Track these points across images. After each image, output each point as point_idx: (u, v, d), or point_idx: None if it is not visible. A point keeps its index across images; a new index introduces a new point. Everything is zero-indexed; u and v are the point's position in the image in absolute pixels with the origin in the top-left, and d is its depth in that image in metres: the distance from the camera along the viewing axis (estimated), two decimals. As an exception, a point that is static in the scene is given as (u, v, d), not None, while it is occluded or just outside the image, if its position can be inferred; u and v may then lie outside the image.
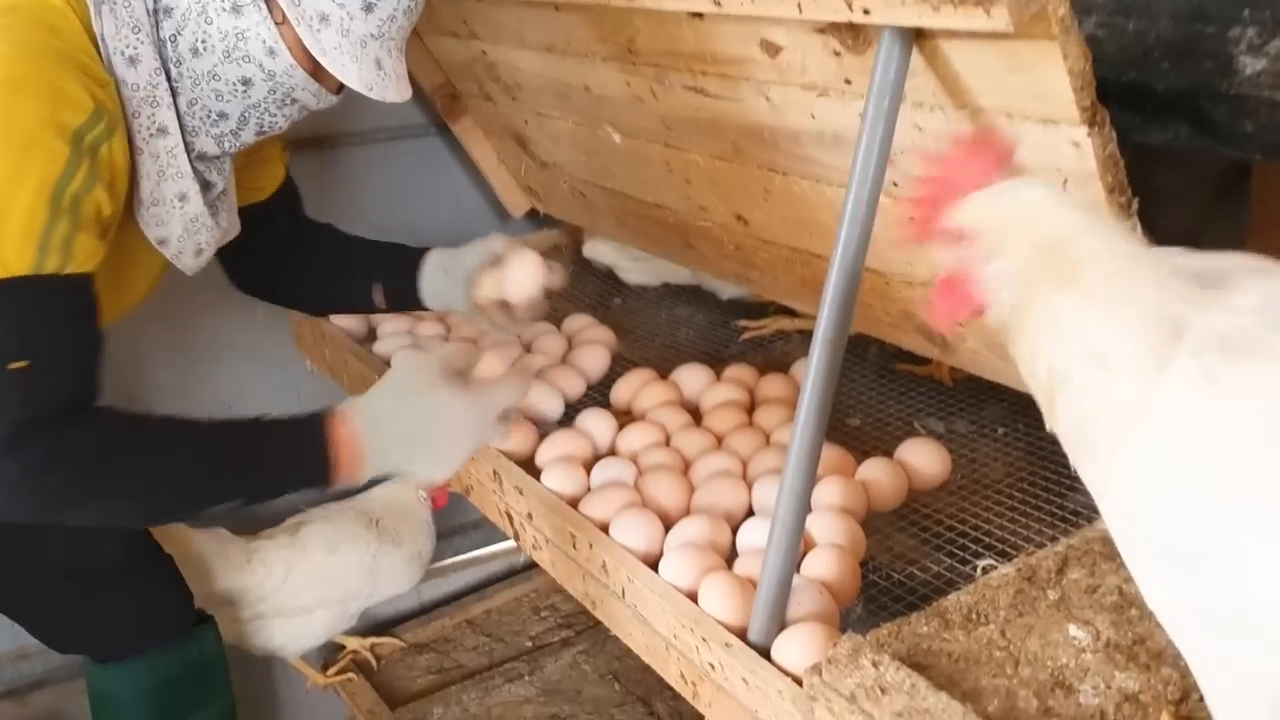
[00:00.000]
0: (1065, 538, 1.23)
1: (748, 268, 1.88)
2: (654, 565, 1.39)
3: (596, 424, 1.73)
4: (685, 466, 1.60)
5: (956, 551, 1.39)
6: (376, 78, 1.33)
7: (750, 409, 1.75)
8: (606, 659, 2.49)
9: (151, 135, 1.31)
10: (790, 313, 2.08)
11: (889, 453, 1.58)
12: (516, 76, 2.03)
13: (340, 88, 1.37)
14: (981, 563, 1.29)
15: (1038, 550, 1.21)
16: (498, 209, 2.54)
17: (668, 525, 1.46)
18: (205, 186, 1.40)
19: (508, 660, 2.50)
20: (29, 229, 1.14)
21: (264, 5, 1.27)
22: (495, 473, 1.66)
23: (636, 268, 2.34)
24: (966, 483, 1.55)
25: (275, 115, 1.37)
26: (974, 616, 1.12)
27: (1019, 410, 1.69)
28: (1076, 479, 1.29)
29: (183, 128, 1.34)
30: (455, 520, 2.67)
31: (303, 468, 1.27)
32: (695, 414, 1.76)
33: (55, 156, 1.16)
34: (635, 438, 1.68)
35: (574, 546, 1.50)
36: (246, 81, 1.32)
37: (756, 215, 1.72)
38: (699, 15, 1.40)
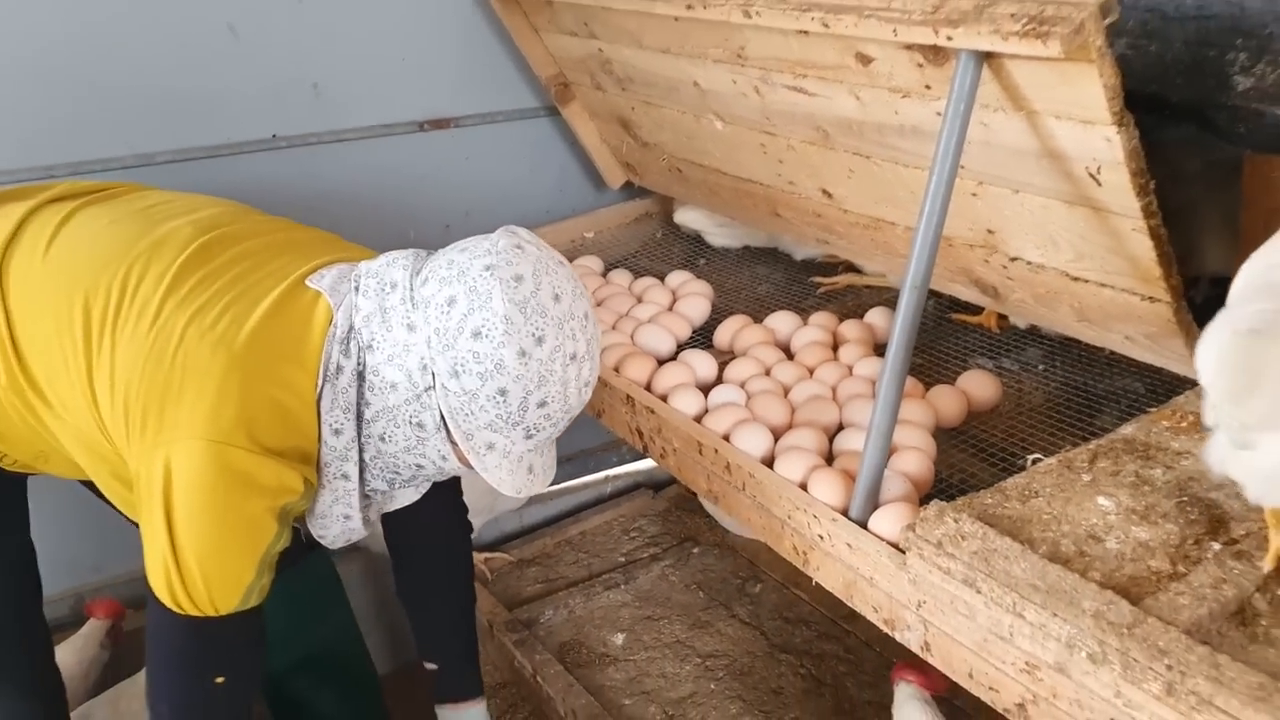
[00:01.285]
0: (1095, 439, 1.61)
1: (828, 233, 2.25)
2: (769, 465, 1.78)
3: (704, 360, 2.12)
4: (784, 392, 1.99)
5: (1009, 456, 1.76)
6: (526, 482, 1.61)
7: (834, 347, 2.13)
8: (690, 571, 2.88)
9: (336, 478, 1.60)
10: (858, 271, 2.45)
11: (951, 382, 1.96)
12: (629, 71, 2.39)
13: None
14: (1031, 457, 1.67)
15: (1073, 448, 1.59)
16: (596, 181, 2.91)
17: (775, 436, 1.84)
18: (365, 520, 1.71)
19: (604, 572, 2.89)
20: (240, 583, 1.50)
21: (444, 430, 1.56)
22: (628, 397, 2.04)
23: (720, 232, 2.71)
24: (1013, 407, 1.92)
25: (438, 478, 1.72)
26: (1027, 493, 1.50)
27: (1055, 351, 2.06)
28: (1102, 403, 1.68)
29: (362, 474, 1.63)
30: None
31: None
32: (787, 351, 2.15)
33: (268, 534, 1.50)
34: (740, 369, 2.06)
35: (700, 453, 1.88)
36: (420, 466, 1.63)
37: (840, 190, 2.09)
38: (805, 32, 1.76)
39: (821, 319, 2.22)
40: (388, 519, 1.91)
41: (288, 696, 2.27)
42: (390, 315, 1.53)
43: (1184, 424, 1.61)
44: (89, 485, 1.82)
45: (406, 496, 1.79)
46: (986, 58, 1.50)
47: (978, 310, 2.20)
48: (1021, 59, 1.46)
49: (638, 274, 2.57)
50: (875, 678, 2.45)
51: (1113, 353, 1.90)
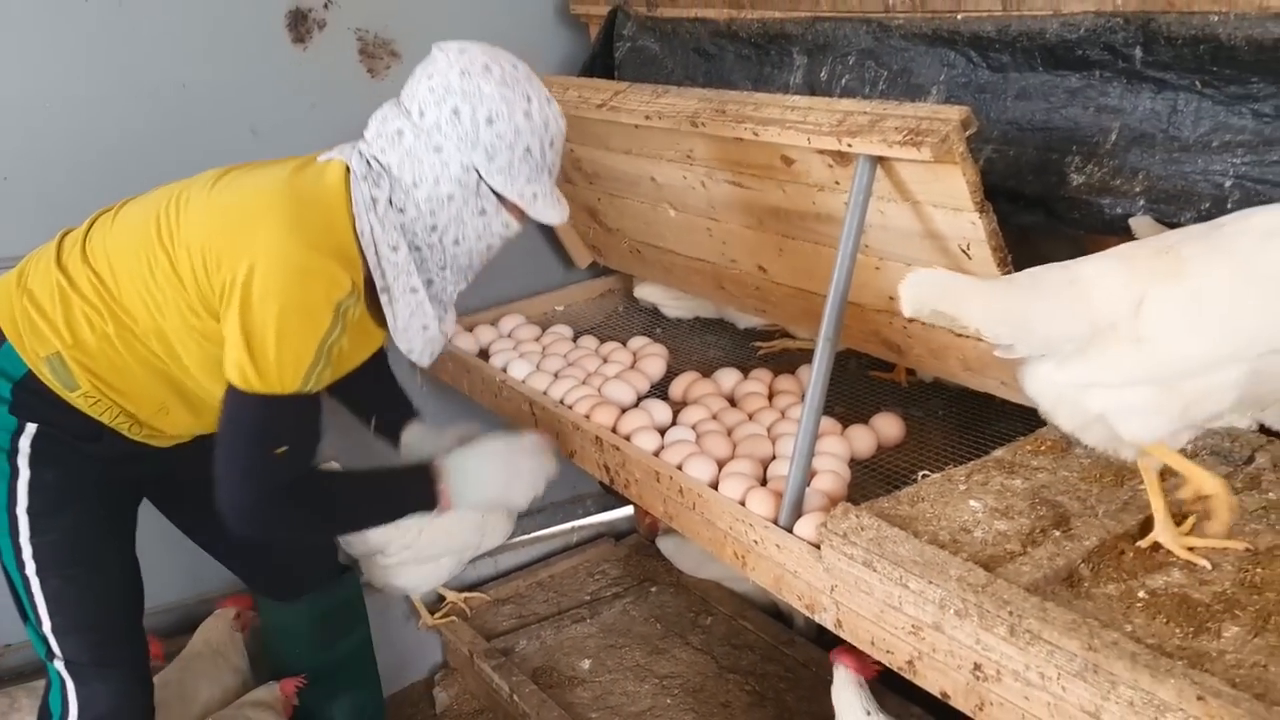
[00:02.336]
0: (972, 462, 2.01)
1: (763, 302, 2.67)
2: (714, 488, 2.16)
3: (660, 407, 2.51)
4: (728, 431, 2.37)
5: (908, 478, 2.15)
6: (562, 211, 2.08)
7: (769, 397, 2.53)
8: (649, 607, 3.25)
9: (406, 292, 2.01)
10: (792, 336, 2.86)
11: (865, 422, 2.36)
12: (596, 168, 2.82)
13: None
14: (921, 473, 2.06)
15: (955, 467, 2.00)
16: (566, 261, 3.32)
17: (719, 465, 2.22)
18: (438, 319, 2.11)
19: (572, 608, 3.25)
20: (302, 364, 1.88)
21: (500, 206, 2.01)
22: (597, 438, 2.43)
23: (675, 305, 3.12)
24: (915, 443, 2.33)
25: (495, 254, 2.13)
26: (915, 499, 1.89)
27: (952, 401, 2.47)
28: (988, 439, 2.07)
29: (431, 282, 2.06)
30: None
31: (422, 506, 2.16)
32: (731, 400, 2.54)
33: (324, 321, 1.88)
34: (691, 414, 2.45)
35: (657, 480, 2.26)
36: (490, 248, 2.08)
37: (773, 266, 2.51)
38: (741, 140, 2.19)
39: (760, 374, 2.63)
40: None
41: (302, 703, 2.60)
42: (415, 153, 1.96)
43: (1043, 448, 2.01)
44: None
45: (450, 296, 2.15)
46: (879, 160, 1.93)
47: (890, 367, 2.61)
48: (905, 161, 1.89)
49: (603, 339, 2.96)
50: (812, 692, 2.80)
51: (1003, 401, 2.30)
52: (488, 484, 2.21)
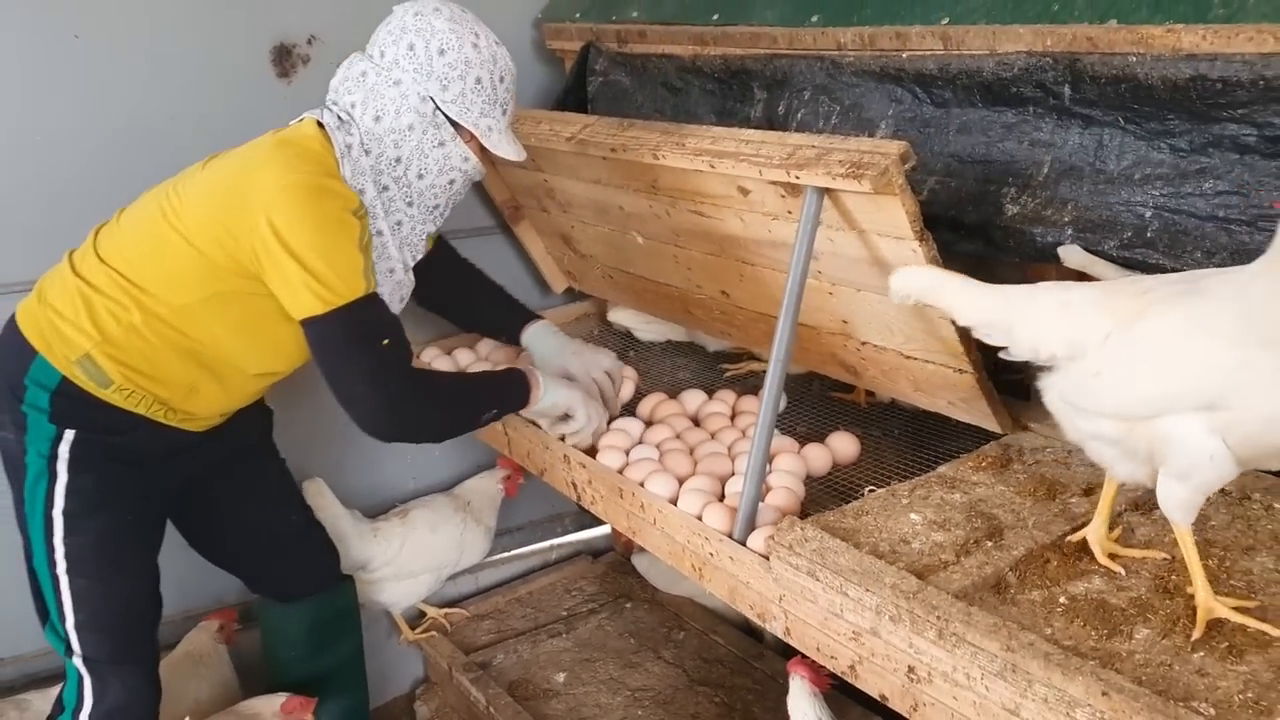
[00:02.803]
0: (916, 478, 2.11)
1: (728, 326, 2.77)
2: (674, 503, 2.26)
3: (629, 425, 2.61)
4: (690, 450, 2.47)
5: (858, 492, 2.25)
6: (517, 149, 2.32)
7: (732, 417, 2.64)
8: (624, 622, 3.34)
9: (373, 235, 2.20)
10: (758, 359, 2.97)
11: (821, 441, 2.46)
12: (569, 198, 2.93)
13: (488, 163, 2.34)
14: (868, 488, 2.16)
15: (900, 483, 2.10)
16: (543, 286, 3.43)
17: (680, 482, 2.32)
18: (405, 265, 2.30)
19: (549, 623, 3.34)
20: (356, 268, 2.08)
21: (456, 136, 2.23)
22: (565, 456, 2.53)
23: (647, 329, 3.22)
24: (870, 461, 2.43)
25: (459, 194, 2.33)
26: (860, 512, 2.00)
27: (907, 421, 2.57)
28: (940, 457, 2.16)
29: (400, 224, 2.25)
30: (503, 524, 3.49)
31: (519, 401, 2.39)
32: (695, 420, 2.65)
33: (353, 226, 2.10)
34: (655, 433, 2.55)
35: (621, 496, 2.36)
36: (451, 182, 2.27)
37: (735, 291, 2.61)
38: (700, 171, 2.30)
39: (724, 395, 2.73)
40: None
41: (290, 709, 2.69)
42: (374, 85, 2.19)
43: (984, 464, 2.11)
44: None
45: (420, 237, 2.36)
46: (826, 191, 2.04)
47: (850, 389, 2.72)
48: (849, 192, 2.00)
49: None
50: (778, 703, 2.87)
51: (955, 422, 2.39)
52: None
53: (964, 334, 2.08)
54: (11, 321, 2.25)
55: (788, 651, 3.10)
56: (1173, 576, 1.71)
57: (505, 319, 2.81)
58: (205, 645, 2.77)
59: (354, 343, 2.13)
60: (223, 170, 2.19)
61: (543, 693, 3.03)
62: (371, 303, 2.13)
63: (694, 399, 2.73)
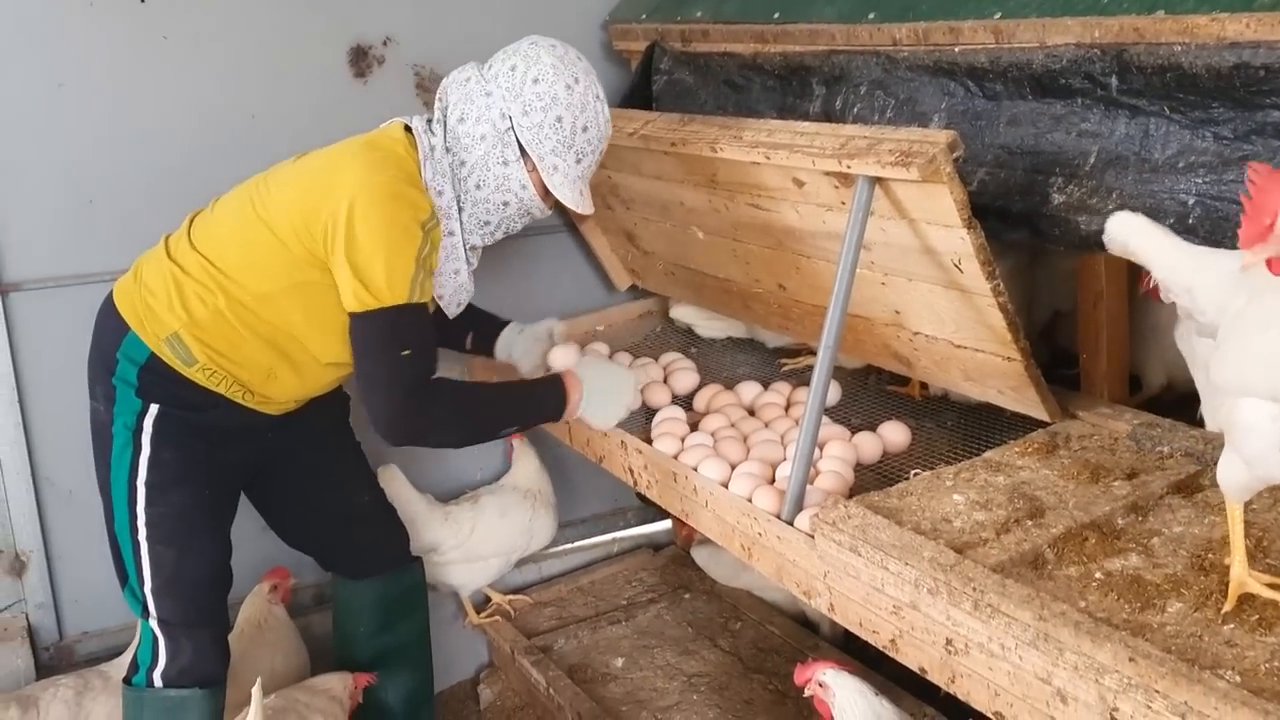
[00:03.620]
0: (962, 462, 2.15)
1: (785, 319, 2.83)
2: (725, 486, 2.32)
3: (682, 414, 2.68)
4: (744, 438, 2.53)
5: (907, 479, 2.29)
6: (580, 199, 2.33)
7: (787, 408, 2.69)
8: (682, 612, 3.40)
9: (446, 235, 2.30)
10: (814, 354, 3.01)
11: (873, 430, 2.50)
12: (632, 194, 3.01)
13: (554, 205, 2.36)
14: (913, 471, 2.20)
15: (945, 466, 2.14)
16: (607, 284, 3.51)
17: (733, 467, 2.38)
18: (470, 266, 2.39)
19: (609, 611, 3.41)
20: (405, 277, 2.16)
21: (522, 162, 2.27)
22: (622, 443, 2.60)
23: (708, 325, 3.29)
24: (920, 449, 2.47)
25: (515, 222, 2.38)
26: (904, 493, 2.04)
27: (960, 414, 2.60)
28: (981, 446, 2.20)
29: (462, 228, 2.33)
30: (567, 517, 3.57)
31: (551, 411, 2.46)
32: (750, 410, 2.71)
33: (416, 237, 2.18)
34: (711, 422, 2.62)
35: (674, 480, 2.43)
36: (505, 204, 2.32)
37: (791, 284, 2.67)
38: (757, 163, 2.36)
39: (779, 387, 2.79)
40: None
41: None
42: (471, 91, 2.29)
43: (1030, 450, 2.15)
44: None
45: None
46: (878, 181, 2.09)
47: (905, 382, 2.76)
48: (899, 181, 2.05)
49: (637, 357, 3.14)
50: (831, 693, 2.93)
51: (1007, 415, 2.42)
52: (607, 411, 2.55)
53: (1012, 323, 2.12)
54: (109, 298, 2.39)
55: (846, 644, 3.16)
56: (1209, 555, 1.73)
57: (481, 328, 2.88)
58: (261, 609, 2.88)
59: (376, 345, 2.23)
60: (310, 164, 2.31)
61: (601, 676, 3.10)
62: (407, 312, 2.19)
63: (750, 390, 2.79)
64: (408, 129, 2.33)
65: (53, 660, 2.95)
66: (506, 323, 2.87)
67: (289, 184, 2.29)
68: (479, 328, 2.85)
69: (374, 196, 2.16)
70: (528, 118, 2.24)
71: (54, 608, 2.98)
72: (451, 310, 2.45)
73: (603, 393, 2.53)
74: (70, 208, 2.85)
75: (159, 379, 2.30)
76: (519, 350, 2.83)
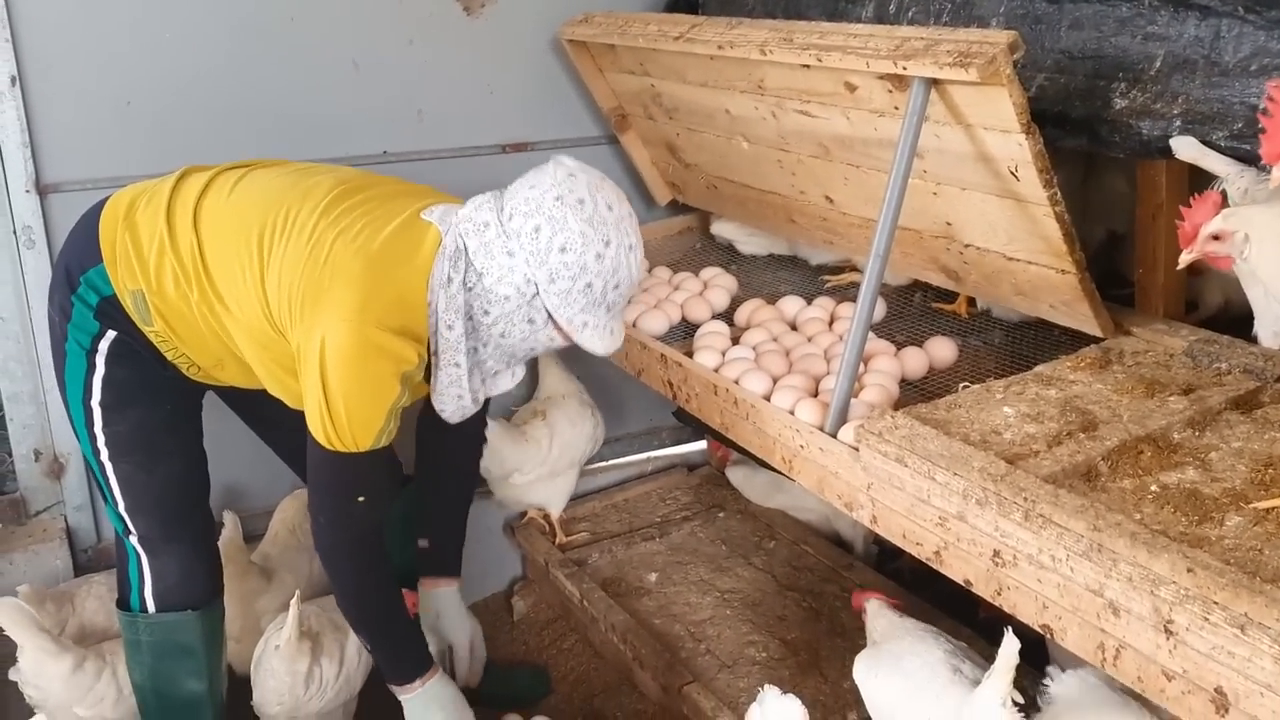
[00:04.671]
0: (1012, 376, 2.10)
1: (831, 234, 2.77)
2: (767, 399, 2.28)
3: (723, 329, 2.64)
4: (786, 352, 2.49)
5: (952, 391, 2.25)
6: (611, 342, 2.21)
7: (830, 323, 2.64)
8: (716, 530, 3.39)
9: (449, 365, 2.19)
10: (859, 271, 2.96)
11: (919, 345, 2.45)
12: (675, 103, 2.94)
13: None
14: (961, 384, 2.16)
15: (995, 380, 2.09)
16: (647, 198, 3.46)
17: (775, 381, 2.35)
18: (474, 397, 2.29)
19: (643, 528, 3.41)
20: (373, 426, 2.10)
21: (550, 323, 2.16)
22: (662, 356, 2.57)
23: (750, 241, 3.23)
24: (966, 365, 2.42)
25: (539, 355, 2.35)
26: (953, 406, 2.00)
27: (1007, 331, 2.54)
28: (1030, 363, 2.15)
29: (477, 350, 2.22)
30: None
31: (398, 675, 2.39)
32: (793, 325, 2.66)
33: (391, 393, 2.10)
34: (752, 336, 2.58)
35: (715, 394, 2.40)
36: (532, 349, 2.24)
37: (839, 195, 2.61)
38: (806, 66, 2.29)
39: (823, 302, 2.74)
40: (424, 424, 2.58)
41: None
42: (491, 248, 2.11)
43: (1082, 364, 2.09)
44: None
45: (504, 383, 2.36)
46: (934, 83, 2.02)
47: (952, 299, 2.70)
48: (956, 83, 1.98)
49: (677, 272, 3.09)
50: (866, 612, 2.91)
51: (1061, 331, 2.36)
52: None
53: (1068, 234, 2.06)
54: (96, 214, 2.31)
55: (880, 565, 3.14)
56: (1269, 471, 1.69)
57: (441, 546, 2.78)
58: (300, 515, 2.90)
59: (334, 484, 2.19)
60: (322, 253, 2.11)
61: (634, 590, 3.10)
62: (368, 460, 2.13)
63: (792, 305, 2.74)
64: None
65: (90, 562, 2.97)
66: (450, 570, 2.77)
67: (296, 262, 2.11)
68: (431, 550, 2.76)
69: (355, 345, 2.04)
70: (555, 285, 2.10)
71: (92, 510, 2.99)
72: (452, 420, 2.33)
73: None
74: (107, 109, 2.81)
75: (118, 315, 2.25)
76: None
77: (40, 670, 2.43)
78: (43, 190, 2.77)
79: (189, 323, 2.23)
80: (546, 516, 3.39)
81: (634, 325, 2.73)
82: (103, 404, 2.29)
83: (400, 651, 2.40)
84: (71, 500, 2.96)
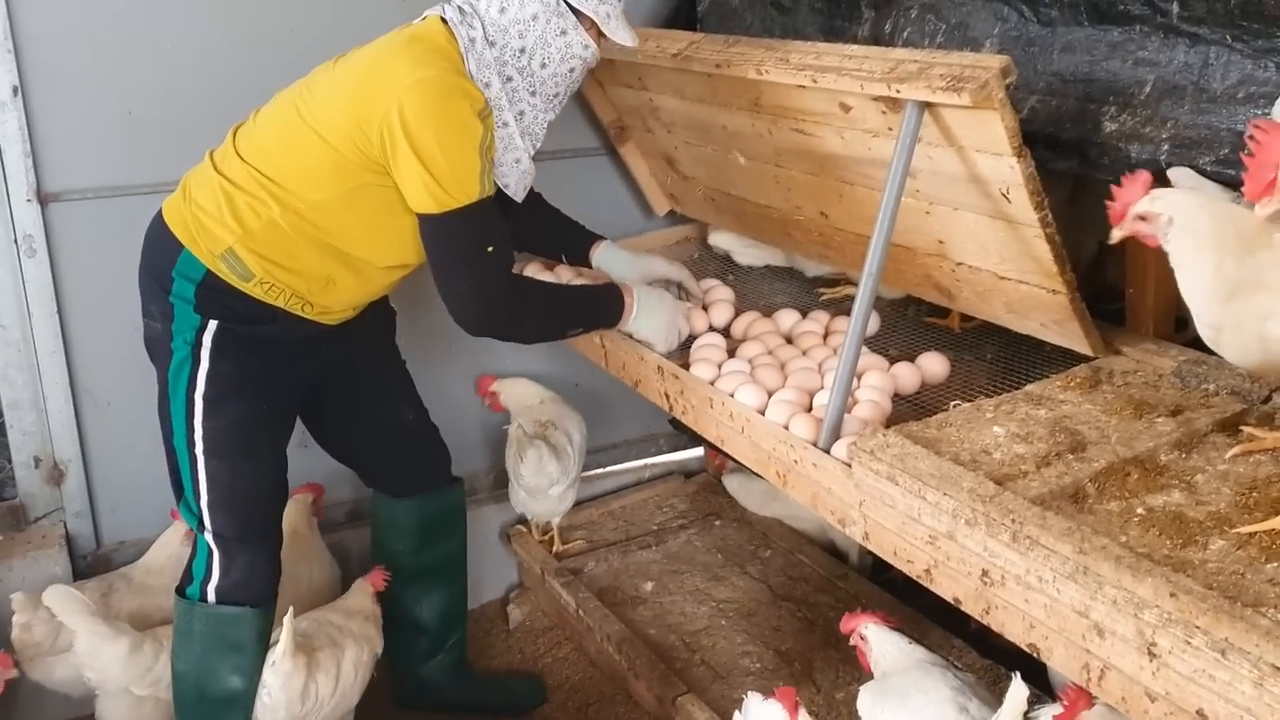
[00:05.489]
0: (1002, 395, 2.13)
1: (826, 248, 2.79)
2: (762, 413, 2.31)
3: (720, 341, 2.66)
4: (781, 365, 2.51)
5: (944, 408, 2.27)
6: (632, 35, 2.36)
7: (825, 336, 2.67)
8: (712, 539, 3.42)
9: (499, 127, 2.28)
10: (854, 284, 2.98)
11: (912, 360, 2.48)
12: (673, 117, 2.97)
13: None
14: (953, 403, 2.18)
15: (986, 398, 2.12)
16: (645, 209, 3.48)
17: (770, 394, 2.37)
18: (529, 153, 2.38)
19: (639, 536, 3.44)
20: (473, 173, 2.17)
21: (579, 25, 2.29)
22: (659, 367, 2.59)
23: (746, 252, 3.25)
24: (959, 381, 2.44)
25: (577, 82, 2.39)
26: (943, 424, 2.03)
27: (999, 347, 2.56)
28: (1021, 380, 2.18)
29: (520, 116, 2.32)
30: (599, 442, 3.58)
31: (612, 317, 2.52)
32: (788, 338, 2.68)
33: (476, 130, 2.17)
34: (748, 349, 2.60)
35: (711, 406, 2.42)
36: (572, 70, 2.33)
37: (833, 211, 2.63)
38: (802, 86, 2.32)
39: (818, 316, 2.77)
40: None
41: (393, 599, 2.83)
42: None
43: (1072, 384, 2.12)
44: None
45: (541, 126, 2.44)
46: (927, 106, 2.05)
47: (945, 314, 2.72)
48: (949, 106, 2.00)
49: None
50: (859, 622, 2.94)
51: (1048, 349, 2.38)
52: (654, 324, 2.61)
53: (1059, 255, 2.09)
54: (159, 217, 2.38)
55: (874, 575, 3.17)
56: (1254, 494, 1.71)
57: (572, 240, 2.88)
58: (302, 517, 2.93)
59: (461, 244, 2.24)
60: (355, 66, 2.28)
61: (630, 599, 3.12)
62: (482, 208, 2.21)
63: (788, 318, 2.76)
64: (444, 20, 2.29)
65: (90, 568, 3.00)
66: (596, 237, 2.88)
67: (336, 88, 2.26)
68: (570, 245, 2.89)
69: (428, 94, 2.14)
70: None
71: (91, 516, 3.02)
72: (519, 195, 2.45)
73: (650, 309, 2.58)
74: (109, 119, 2.84)
75: (216, 294, 2.30)
76: (620, 272, 2.81)
77: (97, 654, 2.51)
78: (44, 199, 2.80)
79: (285, 242, 2.29)
80: (545, 526, 3.42)
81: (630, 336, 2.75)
82: (206, 396, 2.34)
83: (598, 304, 2.57)
84: (71, 507, 2.99)
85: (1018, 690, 1.83)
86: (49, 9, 2.72)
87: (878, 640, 2.34)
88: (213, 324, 2.31)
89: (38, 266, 2.82)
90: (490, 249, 2.25)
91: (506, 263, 2.35)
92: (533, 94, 2.33)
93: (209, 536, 2.41)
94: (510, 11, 2.26)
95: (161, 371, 2.38)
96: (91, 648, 2.49)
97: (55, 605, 2.49)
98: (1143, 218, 1.75)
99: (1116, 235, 1.80)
